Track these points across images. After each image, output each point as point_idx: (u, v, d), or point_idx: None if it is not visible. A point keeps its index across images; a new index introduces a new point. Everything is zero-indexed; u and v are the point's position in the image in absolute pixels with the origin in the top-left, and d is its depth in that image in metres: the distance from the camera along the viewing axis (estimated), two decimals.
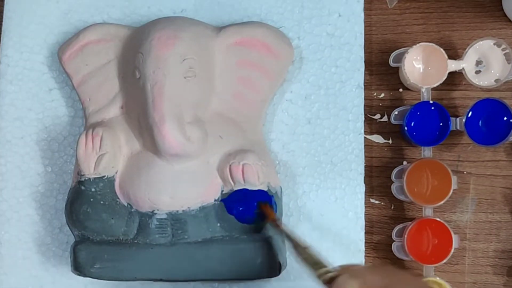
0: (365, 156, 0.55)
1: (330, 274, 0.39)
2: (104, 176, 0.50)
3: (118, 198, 0.51)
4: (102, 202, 0.50)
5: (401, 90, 0.57)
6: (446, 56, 0.53)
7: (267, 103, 0.54)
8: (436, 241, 0.51)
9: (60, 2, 0.58)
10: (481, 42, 0.54)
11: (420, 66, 0.55)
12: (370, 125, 0.57)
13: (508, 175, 0.55)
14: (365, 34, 0.56)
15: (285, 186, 0.54)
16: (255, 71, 0.52)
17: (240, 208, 0.49)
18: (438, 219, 0.52)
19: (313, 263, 0.41)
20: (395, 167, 0.55)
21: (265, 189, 0.50)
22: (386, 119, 0.57)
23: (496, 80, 0.54)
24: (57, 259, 0.55)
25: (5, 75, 0.57)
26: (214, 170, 0.50)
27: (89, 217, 0.50)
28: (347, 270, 0.39)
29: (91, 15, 0.58)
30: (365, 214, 0.54)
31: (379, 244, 0.55)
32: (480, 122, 0.52)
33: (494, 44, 0.54)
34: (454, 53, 0.56)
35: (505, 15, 0.57)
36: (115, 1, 0.58)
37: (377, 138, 0.57)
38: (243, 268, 0.49)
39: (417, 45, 0.54)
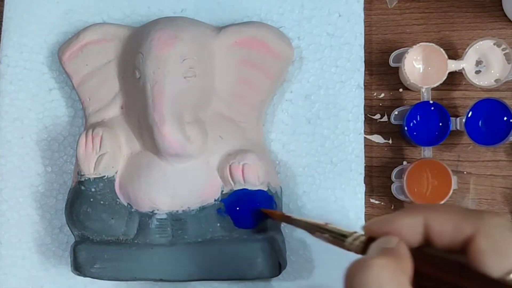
0: (365, 156, 0.55)
1: (361, 239, 0.35)
2: (104, 176, 0.50)
3: (118, 198, 0.51)
4: (102, 202, 0.50)
5: (401, 90, 0.57)
6: (446, 56, 0.53)
7: (267, 103, 0.54)
8: None
9: (60, 2, 0.58)
10: (481, 42, 0.54)
11: (420, 66, 0.55)
12: (370, 125, 0.57)
13: (508, 175, 0.55)
14: (365, 34, 0.56)
15: (285, 186, 0.54)
16: (255, 71, 0.52)
17: (239, 208, 0.49)
18: None
19: (340, 235, 0.37)
20: (395, 167, 0.55)
21: (265, 189, 0.49)
22: (386, 119, 0.56)
23: (496, 80, 0.54)
24: (57, 259, 0.55)
25: (5, 75, 0.57)
26: (214, 170, 0.50)
27: (89, 217, 0.49)
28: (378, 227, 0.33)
29: (91, 15, 0.58)
30: (365, 214, 0.54)
31: None
32: (480, 122, 0.52)
33: (494, 44, 0.54)
34: (454, 53, 0.56)
35: (505, 15, 0.57)
36: (115, 1, 0.58)
37: (377, 138, 0.57)
38: (243, 268, 0.49)
39: (417, 45, 0.54)
